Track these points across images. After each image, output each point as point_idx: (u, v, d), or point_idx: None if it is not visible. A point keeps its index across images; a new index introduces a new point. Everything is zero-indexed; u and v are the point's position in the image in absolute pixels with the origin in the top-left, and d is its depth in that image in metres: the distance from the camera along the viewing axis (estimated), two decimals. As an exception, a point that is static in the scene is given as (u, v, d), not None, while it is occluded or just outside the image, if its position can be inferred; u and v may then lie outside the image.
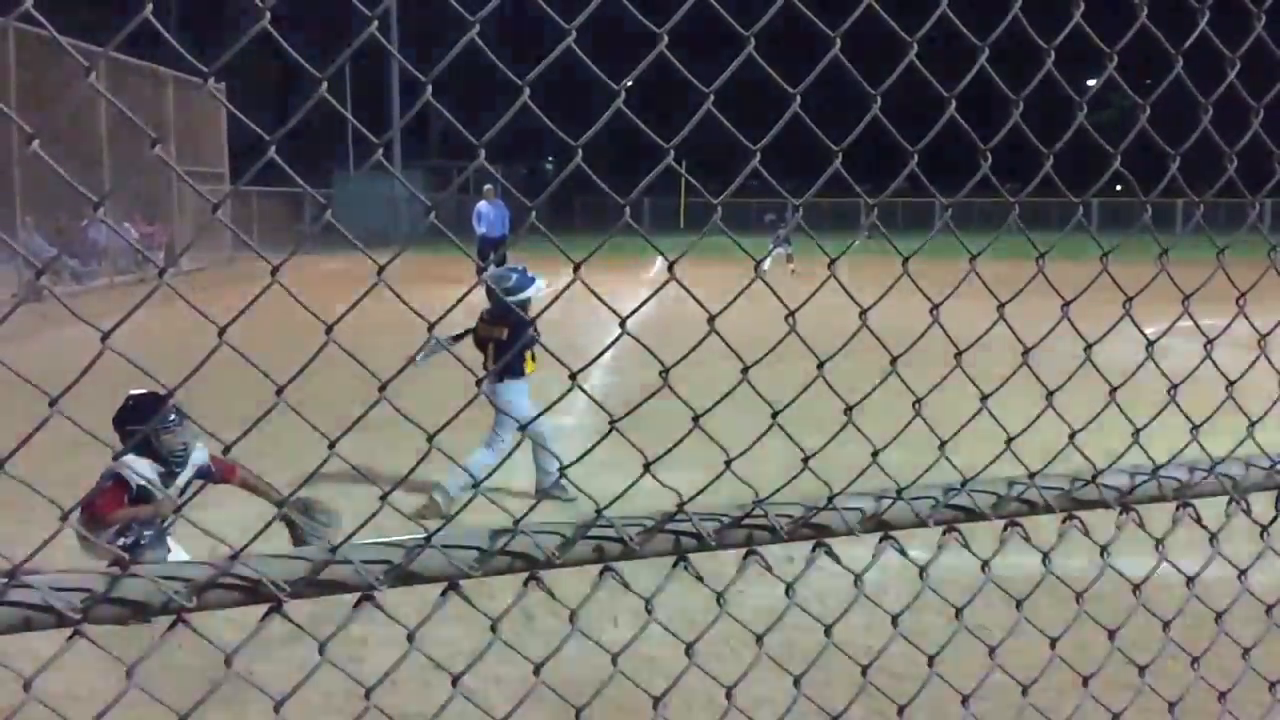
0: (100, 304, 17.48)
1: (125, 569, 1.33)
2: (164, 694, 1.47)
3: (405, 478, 1.48)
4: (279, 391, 1.32)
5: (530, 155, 58.94)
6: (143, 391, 4.99)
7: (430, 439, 1.42)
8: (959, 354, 1.72)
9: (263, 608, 1.41)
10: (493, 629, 1.56)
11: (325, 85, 1.34)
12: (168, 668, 4.21)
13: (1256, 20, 1.95)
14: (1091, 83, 1.92)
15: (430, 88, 1.40)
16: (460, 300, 1.41)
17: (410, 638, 1.50)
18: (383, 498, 1.42)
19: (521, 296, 6.68)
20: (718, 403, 1.62)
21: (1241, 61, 1.98)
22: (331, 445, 1.37)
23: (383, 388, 1.36)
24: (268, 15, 1.27)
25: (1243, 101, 2.03)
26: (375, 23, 1.36)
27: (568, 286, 1.45)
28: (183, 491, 5.21)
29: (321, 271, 21.12)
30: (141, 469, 5.03)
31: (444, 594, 1.49)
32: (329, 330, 1.33)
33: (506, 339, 6.70)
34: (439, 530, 1.45)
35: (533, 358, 6.84)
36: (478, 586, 1.50)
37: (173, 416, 4.96)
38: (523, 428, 1.47)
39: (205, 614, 1.39)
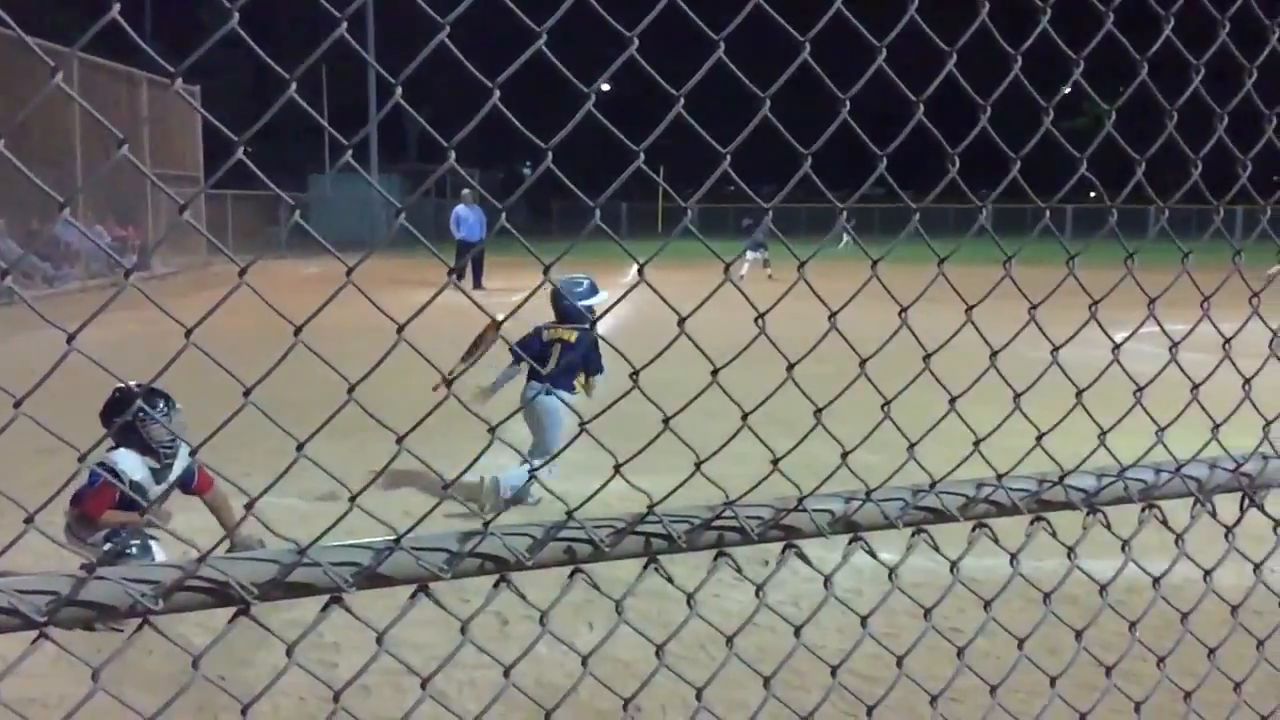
0: (72, 307, 17.32)
1: (91, 571, 1.32)
2: (135, 700, 1.46)
3: (374, 480, 1.48)
4: (246, 393, 1.32)
5: (508, 159, 58.88)
6: (130, 384, 4.95)
7: (400, 440, 1.42)
8: (927, 356, 1.74)
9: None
10: (463, 631, 1.56)
11: (294, 86, 1.34)
12: (138, 673, 4.18)
13: (1221, 27, 1.98)
14: (1067, 90, 1.94)
15: (400, 90, 1.40)
16: (430, 302, 1.41)
17: (379, 640, 1.49)
18: (352, 499, 1.41)
19: (592, 301, 6.74)
20: (687, 405, 1.63)
21: (1206, 68, 2.01)
22: (300, 447, 1.37)
23: (351, 389, 1.36)
24: (236, 16, 1.27)
25: (1209, 107, 2.06)
26: (345, 24, 1.36)
27: (538, 288, 1.45)
28: (172, 488, 5.16)
29: (299, 276, 21.01)
30: (132, 465, 4.99)
31: (414, 596, 1.49)
32: (297, 332, 1.33)
33: (574, 342, 6.68)
34: (408, 532, 1.45)
35: (586, 384, 6.78)
36: (453, 591, 1.50)
37: (161, 406, 4.96)
38: (491, 429, 1.46)
39: (183, 622, 1.39)
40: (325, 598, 1.45)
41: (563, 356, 6.65)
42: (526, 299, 1.51)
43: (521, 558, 1.51)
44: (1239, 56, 2.04)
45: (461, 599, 4.79)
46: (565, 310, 6.76)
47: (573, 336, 6.75)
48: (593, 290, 6.90)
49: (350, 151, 1.39)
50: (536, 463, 6.29)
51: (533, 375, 6.75)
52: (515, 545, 1.50)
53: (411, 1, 1.52)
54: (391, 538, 1.44)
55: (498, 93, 1.45)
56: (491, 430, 1.46)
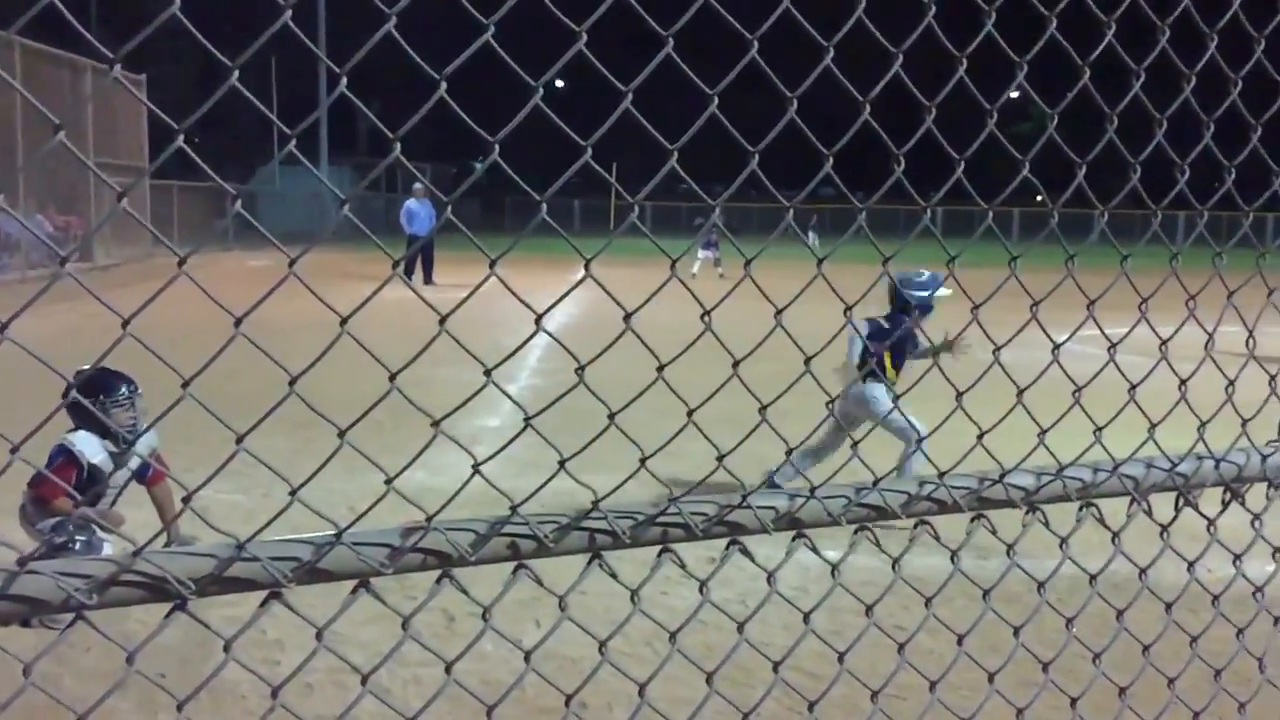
0: (10, 298, 16.89)
1: (24, 564, 1.29)
2: (72, 698, 1.43)
3: (315, 474, 1.46)
4: (185, 385, 1.30)
5: (460, 154, 58.55)
6: (92, 366, 4.91)
7: (342, 434, 1.40)
8: (873, 355, 1.75)
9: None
10: (404, 627, 1.54)
11: (236, 74, 1.32)
12: (76, 670, 4.10)
13: (1161, 34, 2.01)
14: (1014, 95, 1.99)
15: (345, 80, 1.39)
16: (374, 295, 1.39)
17: (319, 635, 1.48)
18: (293, 492, 1.40)
19: (925, 295, 6.42)
20: (632, 401, 1.63)
21: (1147, 74, 2.04)
22: (239, 440, 1.35)
23: (292, 382, 1.34)
24: (177, 1, 1.25)
25: (1149, 113, 2.10)
26: (289, 11, 1.34)
27: (483, 282, 1.45)
28: (132, 474, 5.13)
29: (245, 268, 20.74)
30: (91, 447, 4.94)
31: (355, 591, 1.48)
32: (238, 323, 1.31)
33: (880, 333, 6.39)
34: (349, 527, 1.43)
35: (897, 369, 6.42)
36: (400, 589, 1.48)
37: (123, 391, 4.95)
38: (435, 423, 1.45)
39: (127, 619, 1.36)
40: (265, 593, 1.43)
41: (888, 351, 6.47)
42: (471, 294, 1.51)
43: (464, 553, 1.50)
44: (1178, 63, 2.08)
45: (407, 596, 4.76)
46: (899, 300, 6.53)
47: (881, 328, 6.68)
48: (933, 281, 6.57)
49: (294, 141, 1.37)
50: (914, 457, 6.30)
51: (862, 367, 6.60)
52: (458, 540, 1.50)
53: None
54: (332, 532, 1.42)
55: (444, 84, 1.44)
56: (435, 424, 1.45)
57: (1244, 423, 2.22)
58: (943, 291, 6.52)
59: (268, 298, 1.32)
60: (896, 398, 6.16)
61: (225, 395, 1.38)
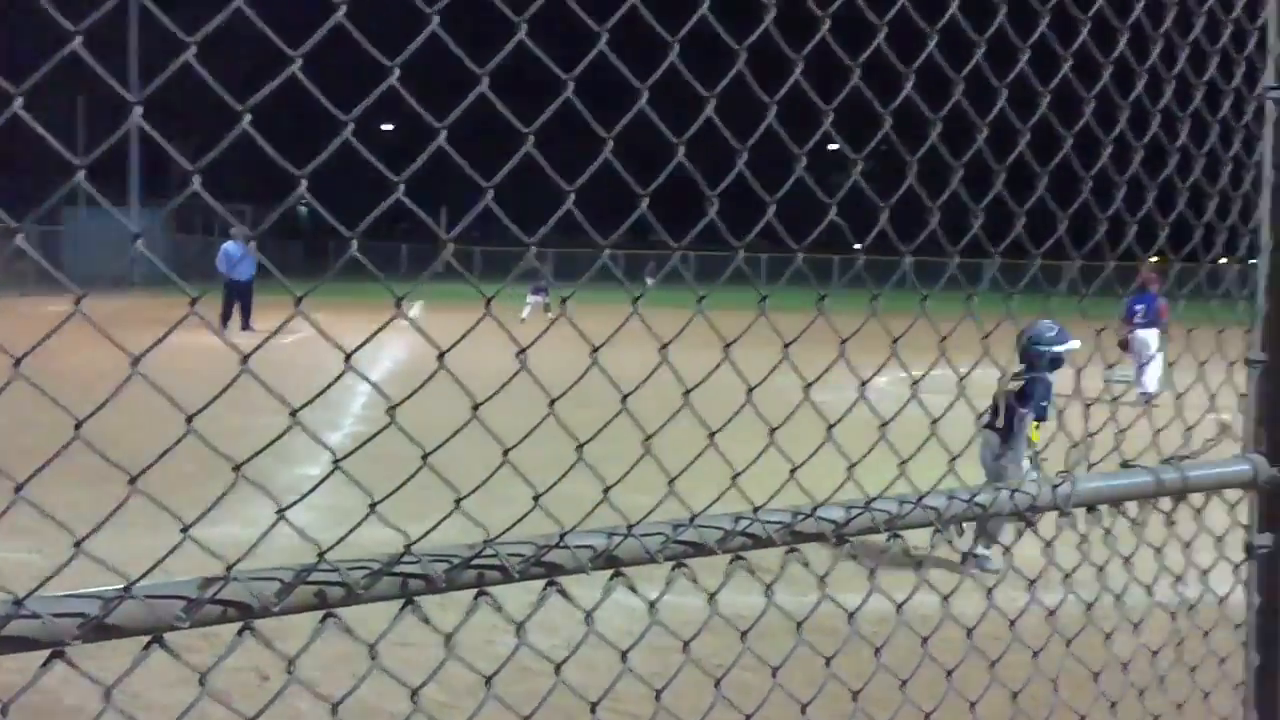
0: None
1: None
2: None
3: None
4: (78, 425, 1.20)
5: (283, 196, 56.81)
6: None
7: (237, 469, 1.34)
8: (687, 392, 1.78)
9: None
10: (201, 683, 1.46)
11: (20, 101, 1.24)
12: None
13: (956, 87, 2.14)
14: (833, 146, 2.09)
15: (140, 109, 1.33)
16: (166, 335, 1.32)
17: (107, 695, 1.39)
18: (78, 544, 1.31)
19: (1058, 349, 6.31)
20: (446, 441, 1.60)
21: (944, 123, 2.16)
22: (18, 488, 1.26)
23: (79, 425, 1.26)
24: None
25: (946, 161, 2.22)
26: (79, 38, 1.28)
27: (288, 320, 1.40)
28: None
29: (43, 312, 19.59)
30: None
31: (146, 648, 1.39)
32: (17, 364, 1.23)
33: (1018, 394, 6.25)
34: (140, 579, 1.35)
35: (1037, 428, 6.13)
36: (210, 649, 1.40)
37: None
38: (236, 468, 1.39)
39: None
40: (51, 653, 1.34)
41: (1008, 409, 6.19)
42: (274, 333, 1.46)
43: (268, 603, 1.44)
44: (972, 115, 2.21)
45: (283, 637, 4.52)
46: (1031, 356, 6.40)
47: (1019, 387, 6.35)
48: (1064, 335, 6.45)
49: (83, 173, 1.30)
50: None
51: (989, 426, 6.21)
52: (260, 590, 1.43)
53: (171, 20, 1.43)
54: (122, 585, 1.34)
55: (248, 117, 1.40)
56: (236, 469, 1.39)
57: (1036, 454, 2.35)
58: (1072, 344, 6.45)
59: (49, 338, 1.25)
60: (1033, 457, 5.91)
61: (16, 448, 1.29)
